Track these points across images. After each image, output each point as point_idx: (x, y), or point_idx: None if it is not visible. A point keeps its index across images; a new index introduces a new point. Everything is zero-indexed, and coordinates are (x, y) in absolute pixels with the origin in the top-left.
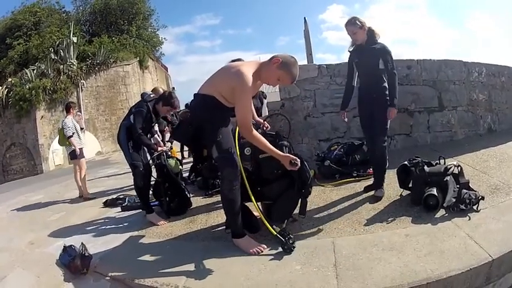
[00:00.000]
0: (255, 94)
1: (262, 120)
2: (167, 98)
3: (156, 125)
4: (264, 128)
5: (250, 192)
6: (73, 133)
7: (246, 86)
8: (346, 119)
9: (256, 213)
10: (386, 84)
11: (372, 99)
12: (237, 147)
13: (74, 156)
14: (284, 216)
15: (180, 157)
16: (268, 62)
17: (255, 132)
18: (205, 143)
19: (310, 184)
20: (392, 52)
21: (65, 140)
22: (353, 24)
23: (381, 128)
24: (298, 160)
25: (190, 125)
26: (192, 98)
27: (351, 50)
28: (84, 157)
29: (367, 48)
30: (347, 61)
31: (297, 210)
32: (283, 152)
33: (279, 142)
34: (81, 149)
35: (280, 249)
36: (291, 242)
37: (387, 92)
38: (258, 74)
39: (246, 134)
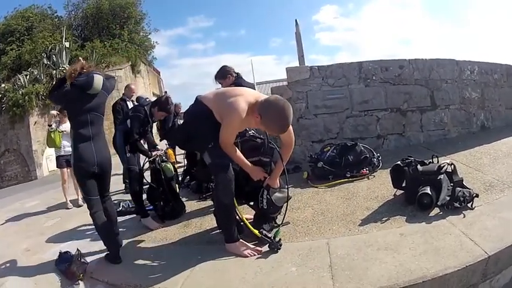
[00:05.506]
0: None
1: None
2: (163, 104)
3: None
4: (251, 133)
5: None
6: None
7: (233, 120)
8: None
9: (248, 216)
10: None
11: None
12: None
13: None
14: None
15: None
16: (258, 107)
17: (235, 152)
18: (197, 148)
19: (275, 209)
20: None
21: (50, 140)
22: None
23: None
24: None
25: (183, 129)
26: (193, 102)
27: None
28: (62, 167)
29: None
30: (341, 62)
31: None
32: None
33: (268, 145)
34: (59, 157)
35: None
36: (276, 240)
37: None
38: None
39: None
